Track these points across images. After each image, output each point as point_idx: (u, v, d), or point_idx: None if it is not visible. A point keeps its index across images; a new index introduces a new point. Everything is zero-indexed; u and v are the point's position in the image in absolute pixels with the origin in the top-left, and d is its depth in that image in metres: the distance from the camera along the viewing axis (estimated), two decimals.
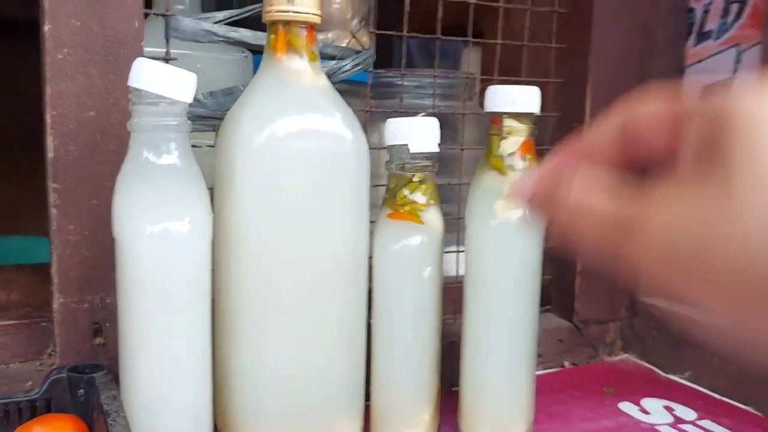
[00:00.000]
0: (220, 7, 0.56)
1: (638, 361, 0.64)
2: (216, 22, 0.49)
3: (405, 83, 0.64)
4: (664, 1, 0.61)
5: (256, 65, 0.60)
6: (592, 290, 0.63)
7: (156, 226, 0.38)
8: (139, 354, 0.40)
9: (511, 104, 0.46)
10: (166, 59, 0.47)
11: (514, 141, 0.46)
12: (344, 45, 0.60)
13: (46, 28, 0.42)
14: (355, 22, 0.64)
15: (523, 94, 0.46)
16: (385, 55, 0.74)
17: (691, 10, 0.62)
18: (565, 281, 0.64)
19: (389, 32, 0.57)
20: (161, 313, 0.39)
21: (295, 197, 0.41)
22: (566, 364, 0.63)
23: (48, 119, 0.43)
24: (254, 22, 0.53)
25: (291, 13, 0.41)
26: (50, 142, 0.43)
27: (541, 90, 0.60)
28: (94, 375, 0.43)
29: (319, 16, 0.42)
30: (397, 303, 0.45)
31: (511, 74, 0.62)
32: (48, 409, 0.43)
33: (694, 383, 0.58)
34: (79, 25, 0.43)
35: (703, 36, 0.61)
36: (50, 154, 0.43)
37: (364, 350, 0.45)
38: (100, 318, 0.46)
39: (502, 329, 0.46)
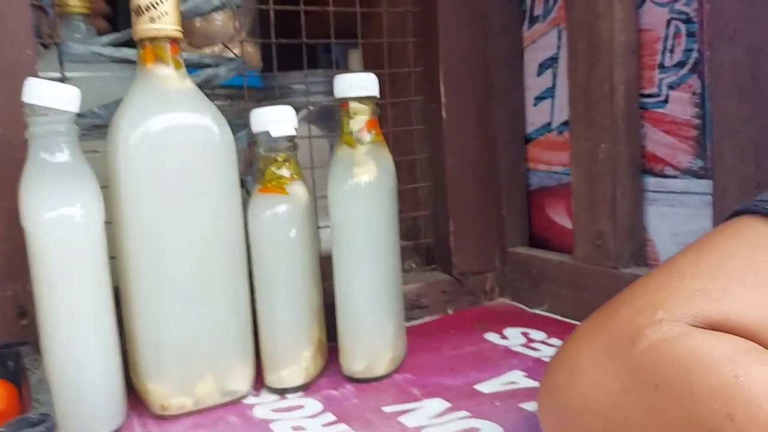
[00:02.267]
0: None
1: (510, 301, 0.74)
2: (103, 45, 0.58)
3: (290, 83, 0.74)
4: None
5: None
6: (467, 247, 0.73)
7: (53, 212, 0.46)
8: (53, 324, 0.48)
9: (352, 90, 0.55)
10: (62, 80, 0.55)
11: (360, 120, 0.56)
12: (230, 56, 0.70)
13: None
14: (243, 33, 0.74)
15: (362, 81, 0.55)
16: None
17: None
18: (443, 242, 0.73)
19: (263, 40, 0.66)
20: (66, 286, 0.47)
21: (172, 181, 0.50)
22: (449, 311, 0.72)
23: None
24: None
25: (153, 30, 0.50)
26: None
27: (406, 78, 0.71)
28: (20, 348, 0.51)
29: (180, 31, 0.51)
30: (271, 261, 0.54)
31: (379, 67, 0.72)
32: None
33: (550, 313, 0.69)
34: None
35: (533, 20, 0.71)
36: None
37: (249, 304, 0.54)
38: (23, 302, 0.54)
39: (364, 271, 0.55)
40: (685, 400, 0.32)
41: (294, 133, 0.55)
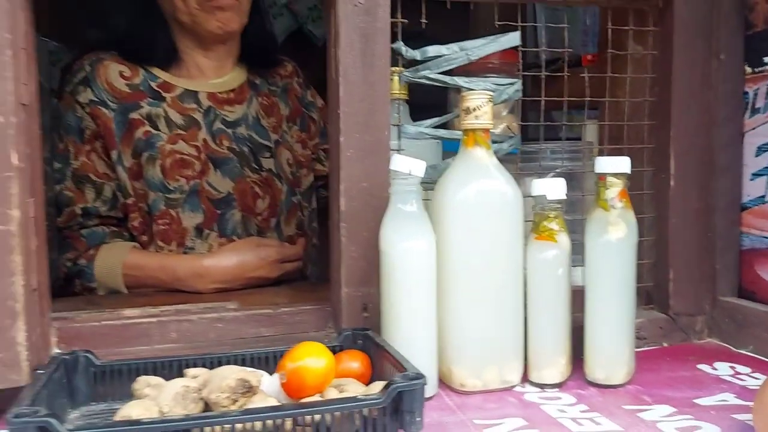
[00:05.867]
0: (420, 116, 0.88)
1: (718, 342, 0.88)
2: (426, 127, 0.82)
3: (542, 149, 0.94)
4: (722, 89, 0.87)
5: (444, 147, 0.93)
6: (682, 292, 0.89)
7: (406, 243, 0.70)
8: (396, 317, 0.71)
9: (610, 167, 0.75)
10: (399, 150, 0.80)
11: (614, 190, 0.75)
12: (498, 130, 0.92)
13: (342, 138, 0.77)
14: (505, 113, 0.96)
15: (619, 161, 0.75)
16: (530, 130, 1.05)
17: (746, 93, 0.88)
18: (662, 287, 0.90)
19: (529, 123, 0.88)
20: (409, 292, 0.71)
21: (480, 227, 0.72)
22: (665, 344, 0.88)
23: (341, 189, 0.77)
24: (445, 124, 0.85)
25: (477, 124, 0.73)
26: (342, 201, 0.77)
27: (639, 153, 0.89)
28: (368, 332, 0.75)
29: (492, 124, 0.74)
30: (542, 290, 0.74)
31: (617, 142, 0.91)
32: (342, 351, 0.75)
33: (755, 354, 0.83)
34: (358, 136, 0.77)
35: (754, 111, 0.86)
36: (342, 208, 0.77)
37: (523, 318, 0.75)
38: (367, 301, 0.79)
39: (609, 303, 0.74)
40: None
41: (564, 197, 0.75)
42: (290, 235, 1.23)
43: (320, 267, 1.33)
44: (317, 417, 0.58)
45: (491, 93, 0.74)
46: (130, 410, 0.54)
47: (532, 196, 0.76)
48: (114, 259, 1.08)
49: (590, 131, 1.04)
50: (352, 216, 0.77)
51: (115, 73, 1.14)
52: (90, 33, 1.25)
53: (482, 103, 0.73)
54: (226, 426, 0.54)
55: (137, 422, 0.52)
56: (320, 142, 1.35)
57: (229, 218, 1.15)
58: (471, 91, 0.74)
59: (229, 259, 1.08)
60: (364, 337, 0.75)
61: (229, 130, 1.18)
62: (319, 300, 0.85)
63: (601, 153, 0.94)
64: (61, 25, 1.61)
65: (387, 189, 0.76)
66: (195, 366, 0.69)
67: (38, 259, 0.68)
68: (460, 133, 0.75)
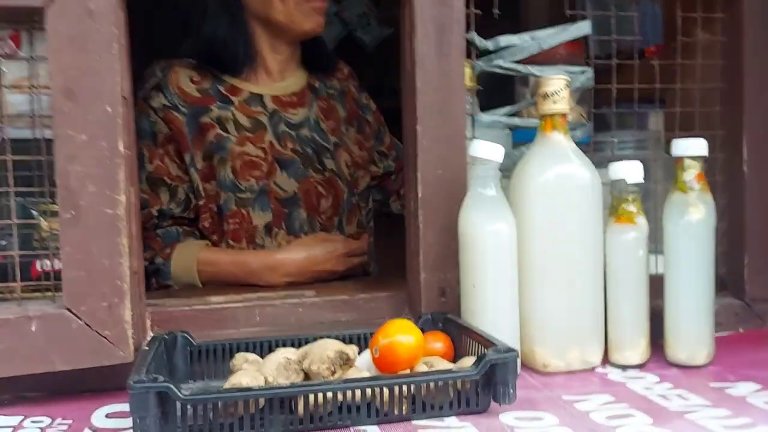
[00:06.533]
0: (489, 104, 0.90)
1: None
2: (499, 116, 0.84)
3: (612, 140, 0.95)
4: None
5: (514, 137, 0.94)
6: (758, 278, 0.89)
7: (491, 227, 0.72)
8: (481, 299, 0.73)
9: (687, 150, 0.75)
10: (473, 138, 0.82)
11: (691, 172, 0.75)
12: (570, 118, 0.93)
13: (418, 127, 0.79)
14: (574, 103, 0.97)
15: (696, 144, 0.75)
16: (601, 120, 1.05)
17: None
18: (737, 273, 0.90)
19: (599, 110, 0.89)
20: (491, 273, 0.72)
21: (560, 210, 0.74)
22: (740, 329, 0.88)
23: (418, 176, 0.79)
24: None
25: (555, 109, 0.74)
26: (419, 188, 0.79)
27: (712, 139, 0.89)
28: (448, 315, 0.77)
29: (569, 109, 0.75)
30: (622, 273, 0.75)
31: (687, 130, 0.91)
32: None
33: None
34: (434, 125, 0.79)
35: None
36: (419, 194, 0.79)
37: (603, 300, 0.76)
38: (444, 285, 0.80)
39: (690, 284, 0.74)
40: None
41: (642, 180, 0.76)
42: (351, 234, 1.25)
43: (379, 265, 1.35)
44: (413, 388, 0.59)
45: (568, 78, 0.75)
46: (240, 378, 0.57)
47: (608, 182, 0.77)
48: (189, 256, 1.12)
49: (657, 119, 1.04)
50: (428, 203, 0.79)
51: (185, 78, 1.18)
52: (168, 43, 1.29)
53: (560, 88, 0.74)
54: (328, 394, 0.56)
55: (249, 389, 0.55)
56: (375, 144, 1.38)
57: (296, 217, 1.18)
58: (548, 77, 0.75)
59: (298, 253, 1.10)
60: (444, 320, 0.77)
61: (293, 132, 1.21)
62: (391, 288, 0.87)
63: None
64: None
65: (462, 176, 0.79)
66: (284, 346, 0.71)
67: (137, 244, 0.71)
68: (535, 120, 0.77)
